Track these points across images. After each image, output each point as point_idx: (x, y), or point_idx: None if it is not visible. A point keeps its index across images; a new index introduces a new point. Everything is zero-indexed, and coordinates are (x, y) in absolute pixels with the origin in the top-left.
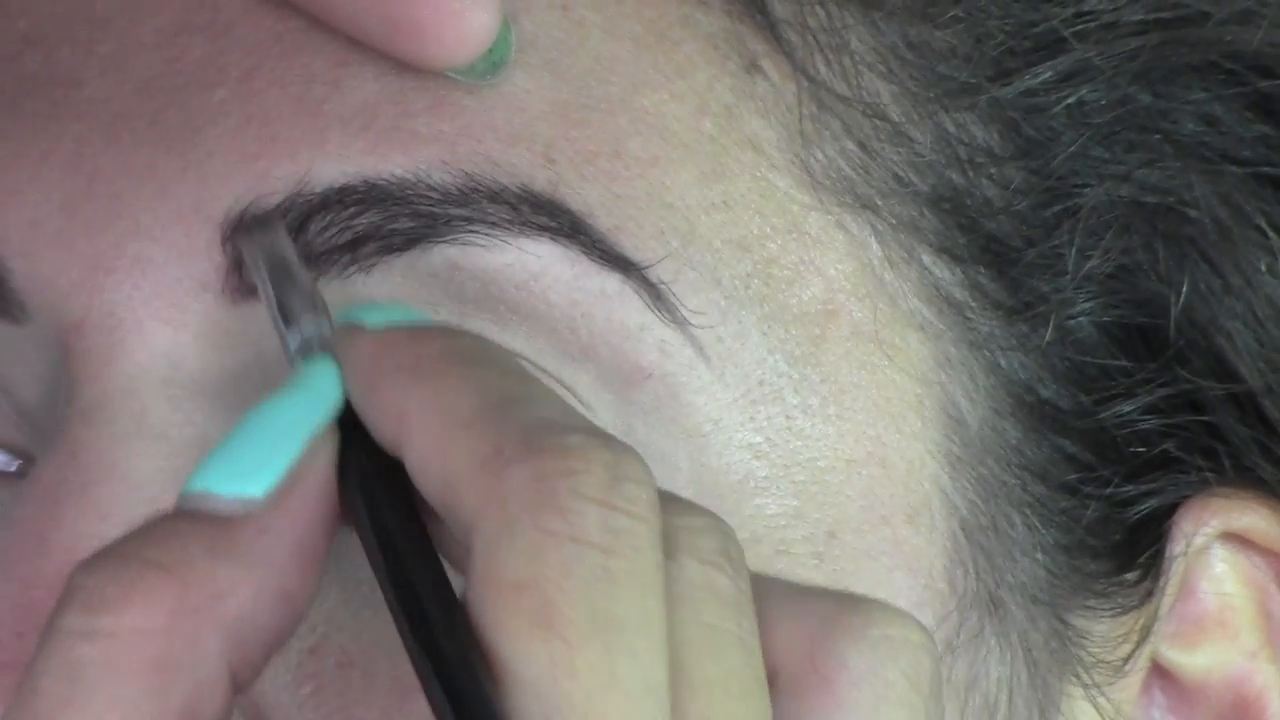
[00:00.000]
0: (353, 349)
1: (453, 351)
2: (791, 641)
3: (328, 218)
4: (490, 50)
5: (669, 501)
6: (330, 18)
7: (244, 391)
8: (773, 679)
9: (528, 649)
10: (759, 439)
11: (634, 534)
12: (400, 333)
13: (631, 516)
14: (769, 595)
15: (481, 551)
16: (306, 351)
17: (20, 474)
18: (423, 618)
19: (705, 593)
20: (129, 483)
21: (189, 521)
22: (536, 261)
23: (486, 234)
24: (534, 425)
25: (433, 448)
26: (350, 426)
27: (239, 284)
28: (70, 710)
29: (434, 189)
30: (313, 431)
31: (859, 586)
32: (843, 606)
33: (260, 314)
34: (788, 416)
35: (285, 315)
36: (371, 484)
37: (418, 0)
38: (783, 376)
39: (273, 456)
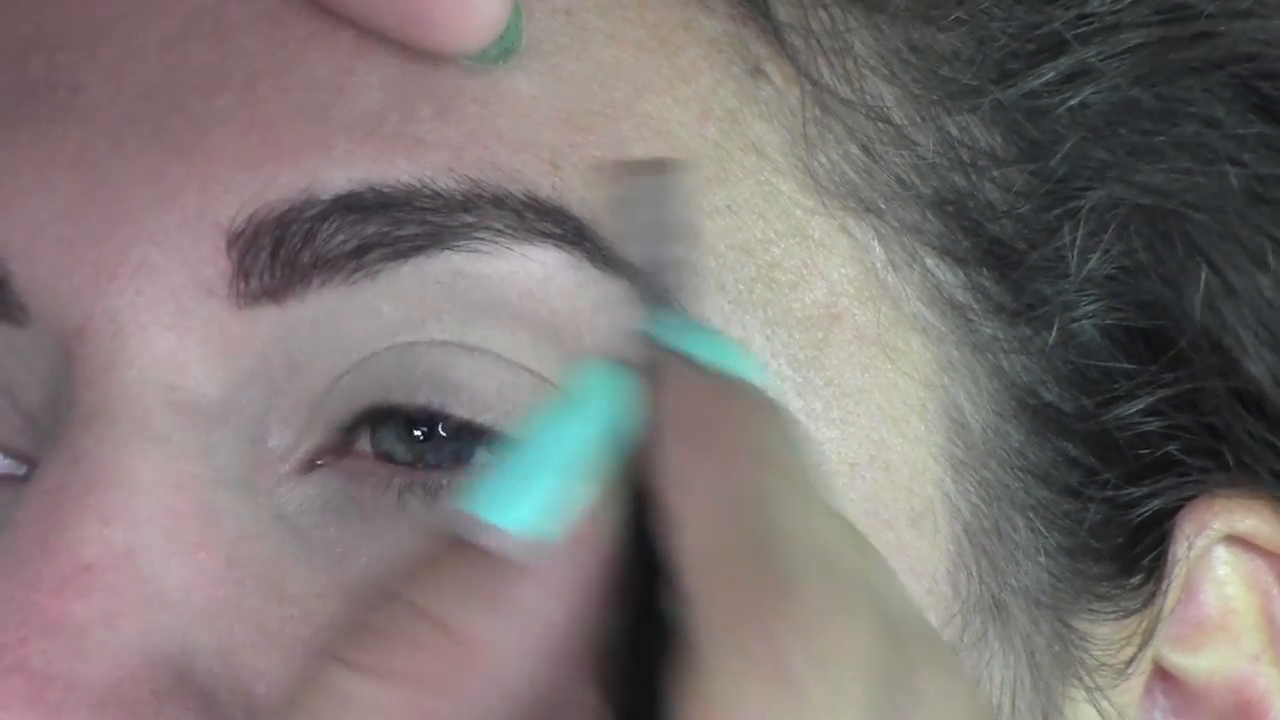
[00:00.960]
0: (677, 391)
1: (747, 436)
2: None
3: (334, 224)
4: (502, 36)
5: None
6: (341, 7)
7: (248, 397)
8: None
9: None
10: None
11: (839, 685)
12: (712, 389)
13: (834, 661)
14: None
15: (703, 683)
16: (645, 346)
17: (24, 478)
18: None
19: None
20: (131, 487)
21: (467, 571)
22: (541, 268)
23: (492, 241)
24: (787, 575)
25: (697, 547)
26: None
27: (244, 290)
28: None
29: (440, 195)
30: (589, 457)
31: None
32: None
33: (265, 320)
34: None
35: (648, 296)
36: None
37: None
38: (786, 381)
39: (544, 478)
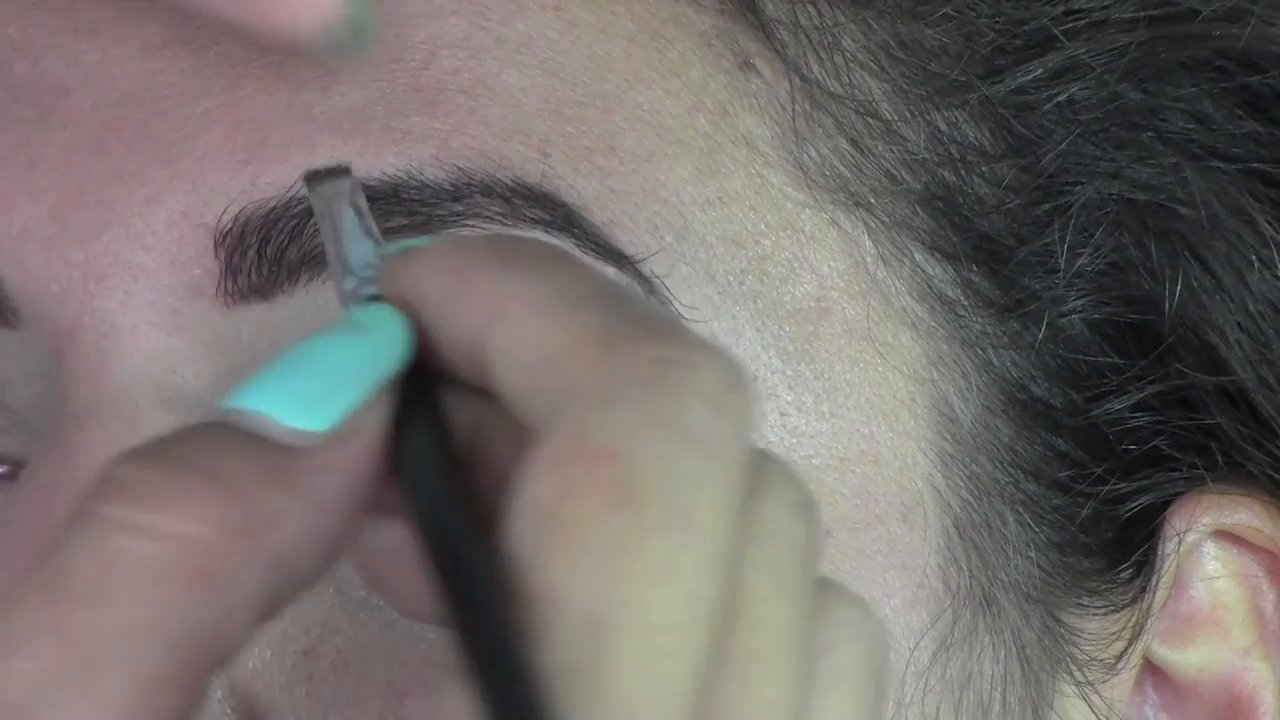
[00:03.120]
0: (428, 257)
1: (550, 250)
2: None
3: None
4: (350, 17)
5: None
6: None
7: None
8: None
9: (600, 518)
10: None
11: (733, 443)
12: (486, 237)
13: (737, 429)
14: None
15: (575, 415)
16: (357, 294)
17: (10, 476)
18: (468, 601)
19: (782, 539)
20: None
21: (244, 440)
22: None
23: (480, 228)
24: (650, 315)
25: (531, 327)
26: (410, 384)
27: (232, 288)
28: (104, 599)
29: (427, 185)
30: (377, 380)
31: (854, 586)
32: None
33: (253, 318)
34: (781, 413)
35: (342, 263)
36: (426, 453)
37: None
38: (776, 373)
39: (335, 396)
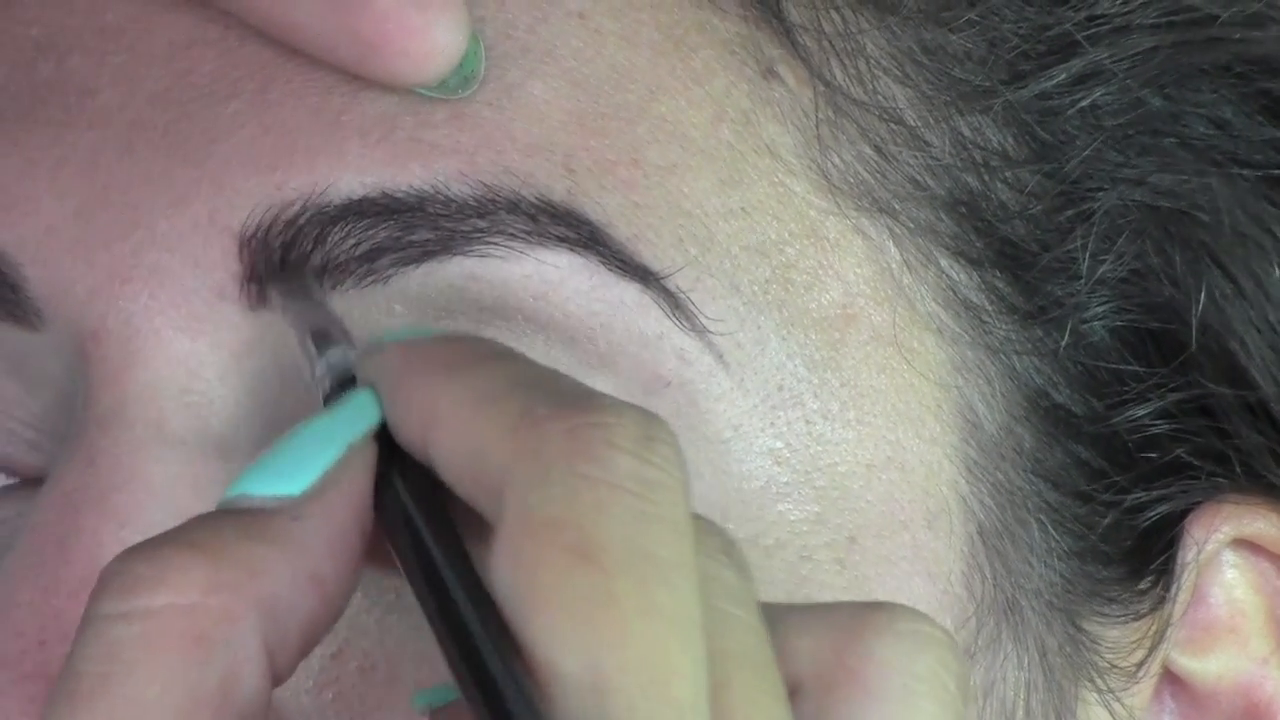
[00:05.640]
0: (379, 359)
1: (478, 350)
2: (815, 648)
3: (345, 229)
4: (460, 65)
5: None
6: (296, 40)
7: (261, 398)
8: (797, 687)
9: (566, 578)
10: (780, 444)
11: (667, 487)
12: (425, 340)
13: (663, 471)
14: (787, 614)
15: (514, 500)
16: (333, 374)
17: (36, 484)
18: (460, 623)
19: (715, 583)
20: (147, 489)
21: (224, 514)
22: (555, 272)
23: (504, 245)
24: (565, 391)
25: (461, 427)
26: (390, 445)
27: (256, 293)
28: (109, 687)
29: (452, 200)
30: (350, 441)
31: (879, 592)
32: (865, 608)
33: (277, 322)
34: (808, 421)
35: (316, 346)
36: (407, 492)
37: (384, 19)
38: (802, 381)
39: (310, 461)
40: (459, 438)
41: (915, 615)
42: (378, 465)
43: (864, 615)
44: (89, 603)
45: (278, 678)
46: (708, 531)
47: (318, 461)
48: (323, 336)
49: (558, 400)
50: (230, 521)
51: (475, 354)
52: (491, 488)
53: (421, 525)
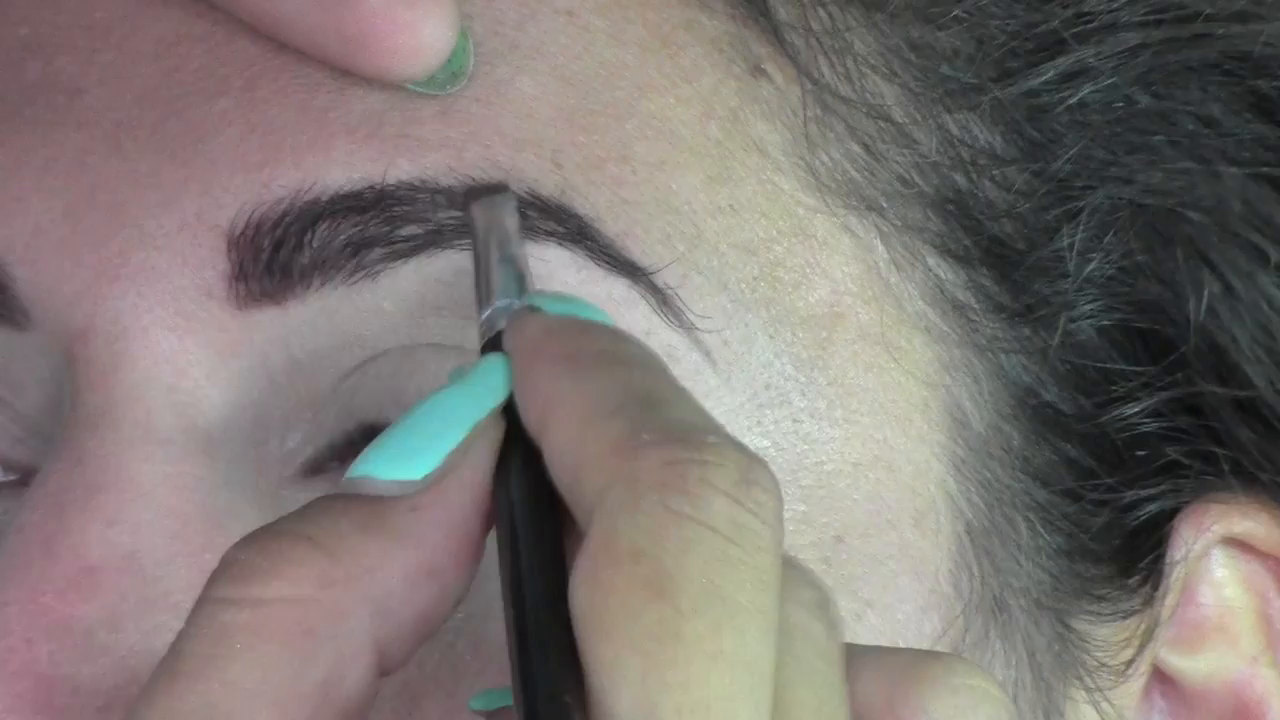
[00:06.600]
0: (521, 333)
1: (612, 350)
2: (871, 692)
3: (334, 224)
4: (449, 61)
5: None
6: (284, 35)
7: (249, 397)
8: None
9: (636, 611)
10: (766, 443)
11: (758, 534)
12: (567, 323)
13: (758, 518)
14: (848, 653)
15: (601, 522)
16: (489, 329)
17: (23, 482)
18: (525, 636)
19: (804, 636)
20: (135, 488)
21: (344, 501)
22: (543, 266)
23: None
24: (673, 420)
25: (571, 434)
26: (515, 422)
27: (244, 291)
28: (212, 670)
29: (440, 194)
30: (475, 420)
31: (866, 591)
32: (922, 658)
33: (266, 321)
34: (795, 420)
35: (485, 291)
36: (514, 477)
37: (372, 14)
38: (789, 380)
39: (434, 443)
40: (565, 445)
41: (970, 670)
42: (502, 444)
43: (920, 666)
44: (206, 586)
45: (388, 670)
46: (804, 583)
47: (443, 442)
48: (495, 284)
49: (665, 427)
50: (348, 512)
51: (603, 353)
52: (585, 504)
53: (521, 526)
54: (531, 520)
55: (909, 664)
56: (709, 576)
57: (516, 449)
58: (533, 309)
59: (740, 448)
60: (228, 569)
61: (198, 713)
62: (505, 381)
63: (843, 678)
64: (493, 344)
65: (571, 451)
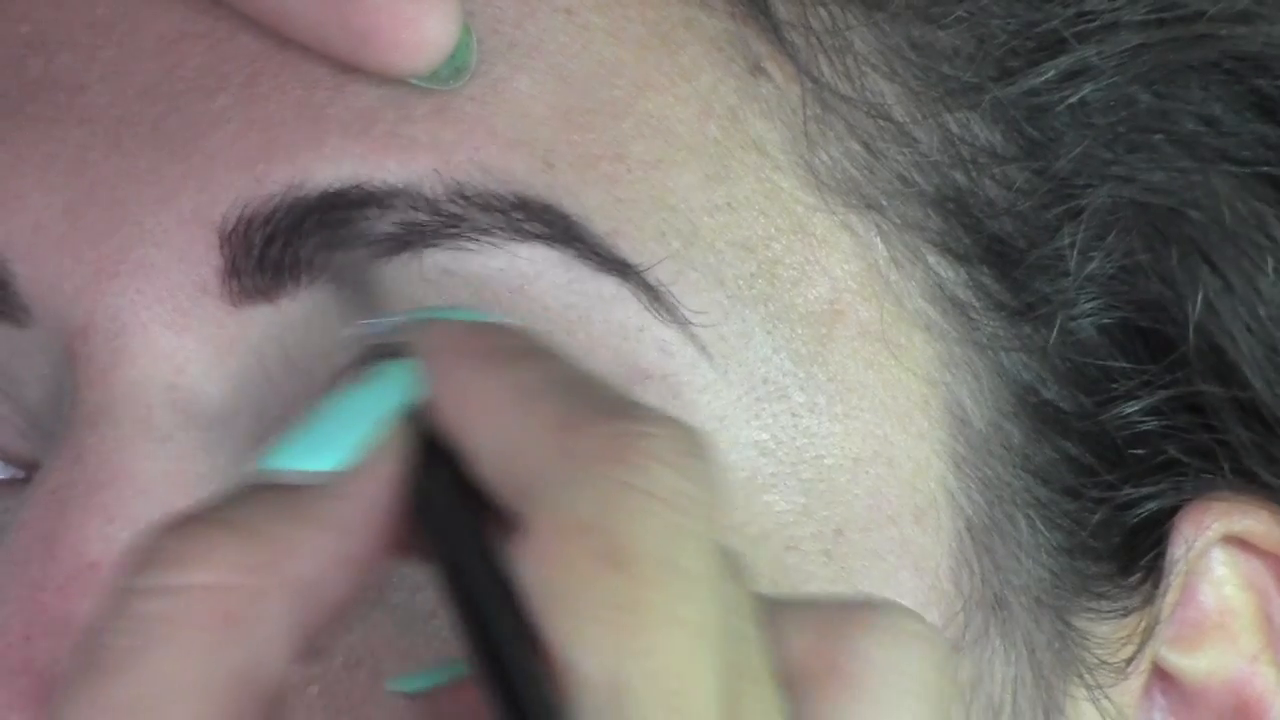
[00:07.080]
0: (428, 335)
1: (522, 343)
2: (804, 644)
3: (320, 220)
4: (453, 55)
5: None
6: (289, 30)
7: (246, 394)
8: (787, 685)
9: (593, 582)
10: (765, 436)
11: (700, 502)
12: (476, 324)
13: (699, 486)
14: (777, 609)
15: (548, 500)
16: (380, 340)
17: (26, 479)
18: (482, 615)
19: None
20: (135, 486)
21: (259, 490)
22: (530, 265)
23: (478, 239)
24: (607, 398)
25: (500, 421)
26: (423, 427)
27: (238, 288)
28: (135, 662)
29: (424, 196)
30: (382, 416)
31: (866, 585)
32: (852, 605)
33: (260, 318)
34: (794, 414)
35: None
36: (430, 472)
37: (376, 8)
38: (788, 375)
39: (345, 436)
40: (495, 432)
41: (904, 613)
42: (414, 444)
43: (852, 612)
44: (123, 575)
45: (310, 655)
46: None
47: (352, 436)
48: (360, 303)
49: (600, 405)
50: (265, 498)
51: (519, 348)
52: (522, 486)
53: (450, 513)
54: (454, 511)
55: (842, 611)
56: (661, 546)
57: (429, 449)
58: (424, 319)
59: (675, 420)
60: (145, 557)
61: (123, 707)
62: (410, 382)
63: (762, 634)
64: (377, 357)
65: (501, 438)
